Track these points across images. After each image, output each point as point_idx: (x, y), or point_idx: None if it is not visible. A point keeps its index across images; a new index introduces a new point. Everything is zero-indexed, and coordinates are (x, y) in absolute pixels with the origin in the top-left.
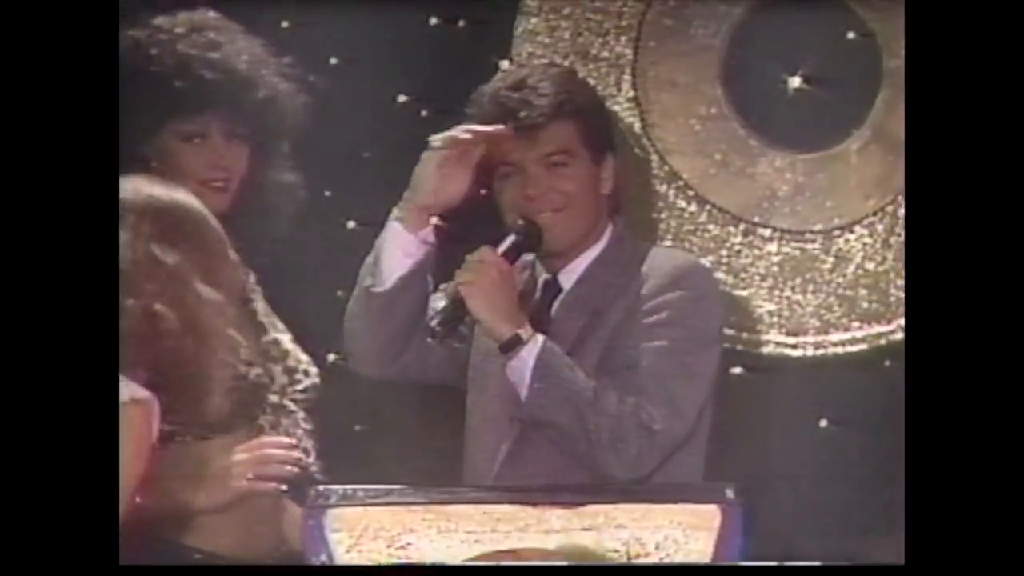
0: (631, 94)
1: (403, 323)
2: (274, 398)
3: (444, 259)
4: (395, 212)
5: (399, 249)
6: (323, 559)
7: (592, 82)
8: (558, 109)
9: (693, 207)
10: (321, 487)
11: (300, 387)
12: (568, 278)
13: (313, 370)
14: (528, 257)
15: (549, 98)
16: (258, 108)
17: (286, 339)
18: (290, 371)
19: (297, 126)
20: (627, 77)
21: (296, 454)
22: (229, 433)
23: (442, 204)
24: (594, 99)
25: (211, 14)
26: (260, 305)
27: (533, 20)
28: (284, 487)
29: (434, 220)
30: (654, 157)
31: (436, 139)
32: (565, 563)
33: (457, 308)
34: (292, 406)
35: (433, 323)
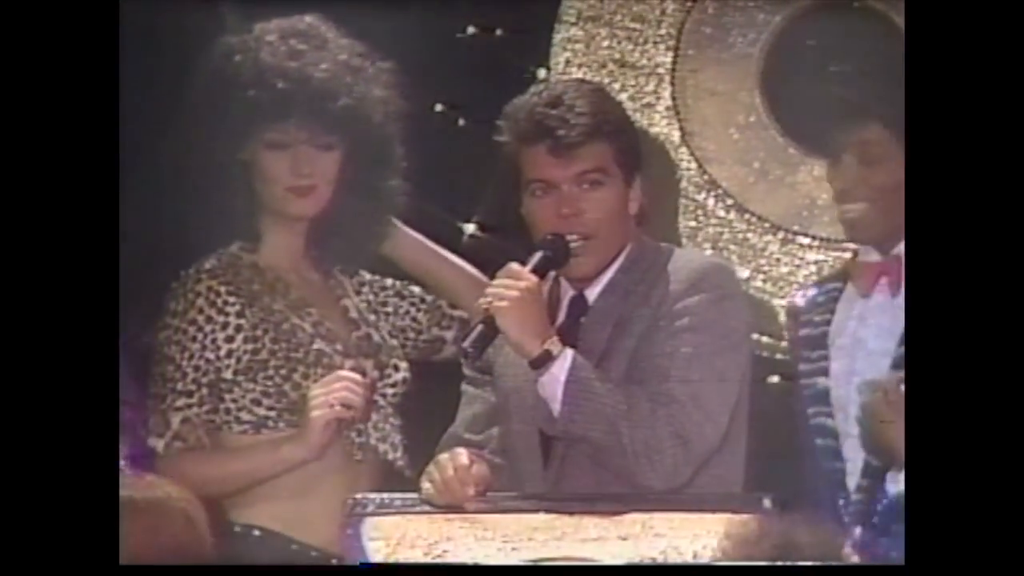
0: (670, 103)
1: None
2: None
3: (482, 271)
4: None
5: None
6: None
7: (630, 91)
8: (596, 128)
9: (732, 216)
10: (359, 495)
11: (390, 381)
12: (593, 292)
13: (403, 364)
14: (552, 275)
15: (587, 117)
16: (337, 116)
17: (376, 335)
18: (381, 365)
19: (396, 132)
20: (666, 86)
21: (362, 386)
22: None
23: None
24: (626, 118)
25: (307, 19)
26: (350, 302)
27: (571, 29)
28: (354, 411)
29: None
30: (693, 166)
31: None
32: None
33: (488, 327)
34: (382, 401)
35: (465, 344)
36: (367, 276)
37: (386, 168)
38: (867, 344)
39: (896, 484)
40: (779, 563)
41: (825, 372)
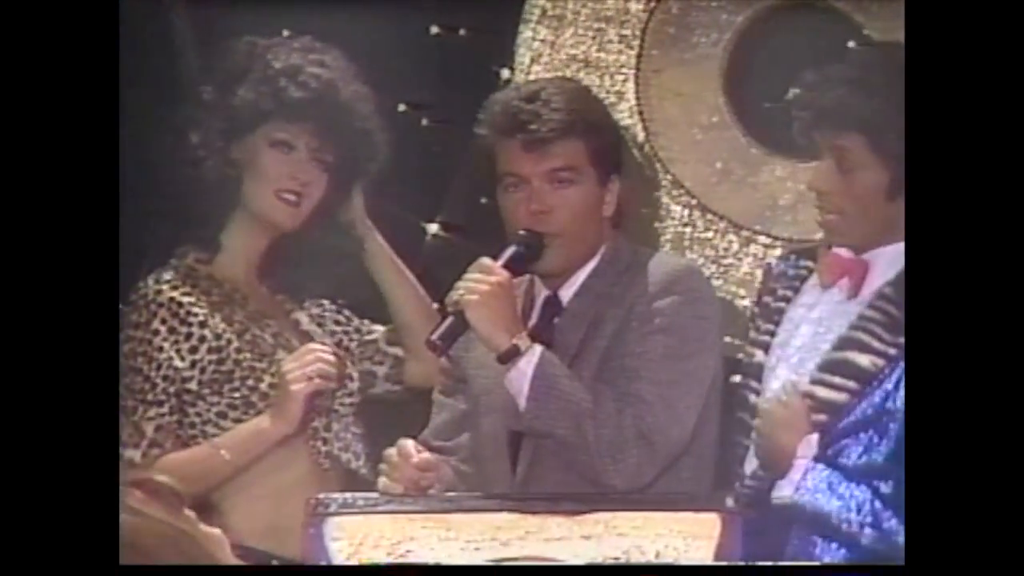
0: (634, 103)
1: None
2: (326, 402)
3: (445, 271)
4: None
5: None
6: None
7: (594, 90)
8: (570, 126)
9: (695, 215)
10: (321, 495)
11: (347, 390)
12: (567, 293)
13: (356, 375)
14: (527, 276)
15: (562, 114)
16: (351, 136)
17: (330, 344)
18: (339, 377)
19: (378, 169)
20: (630, 85)
21: (332, 356)
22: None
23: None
24: (606, 119)
25: (319, 45)
26: (301, 315)
27: (535, 29)
28: (331, 382)
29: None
30: (656, 166)
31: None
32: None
33: (457, 320)
34: (342, 410)
35: (433, 336)
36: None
37: (355, 212)
38: (804, 337)
39: (780, 492)
40: (779, 563)
41: (765, 347)
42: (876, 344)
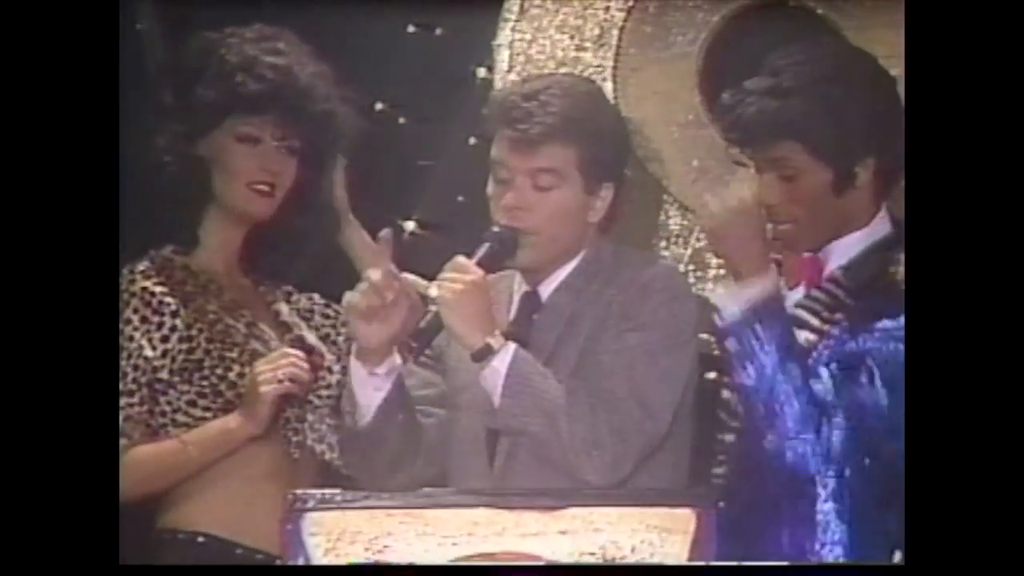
0: (612, 102)
1: (398, 444)
2: (299, 394)
3: (422, 268)
4: (354, 349)
5: (368, 387)
6: (300, 563)
7: None
8: (561, 130)
9: (672, 213)
10: (299, 491)
11: (324, 383)
12: (547, 290)
13: (337, 367)
14: (507, 271)
15: (555, 117)
16: (314, 120)
17: (311, 337)
18: (316, 367)
19: (352, 149)
20: (608, 84)
21: (305, 363)
22: None
23: (394, 340)
24: (610, 127)
25: (270, 31)
26: (281, 307)
27: (513, 28)
28: (301, 387)
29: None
30: (634, 163)
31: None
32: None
33: (432, 321)
34: (317, 401)
35: (408, 336)
36: (292, 288)
37: (330, 186)
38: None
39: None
40: (779, 563)
41: (808, 326)
42: (814, 321)
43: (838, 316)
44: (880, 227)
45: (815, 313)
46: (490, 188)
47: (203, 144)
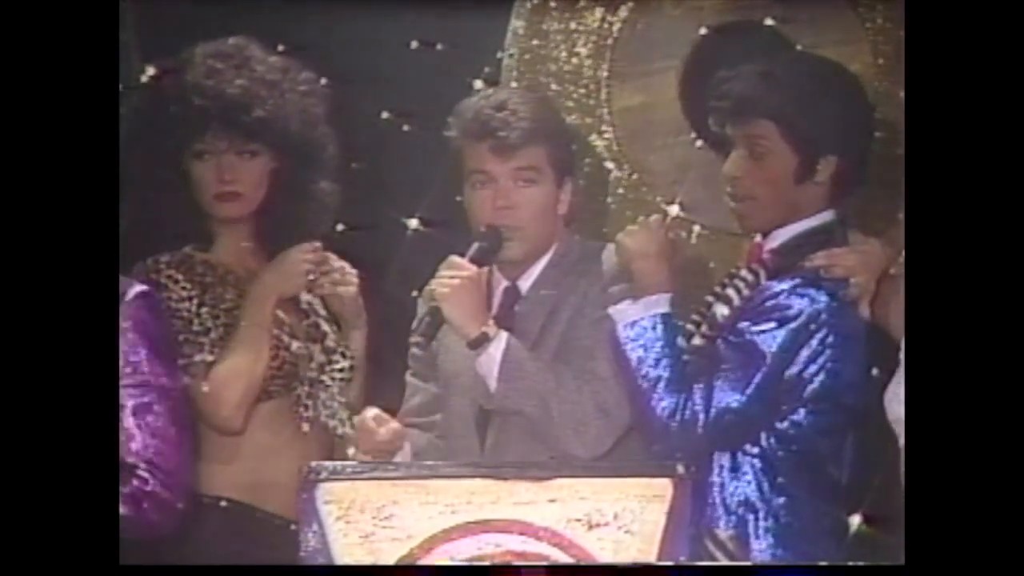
0: (605, 113)
1: None
2: (312, 373)
3: (424, 263)
4: None
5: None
6: (315, 528)
7: (571, 103)
8: (534, 133)
9: (656, 214)
10: (313, 463)
11: (337, 367)
12: (526, 283)
13: (349, 353)
14: (487, 267)
15: (527, 122)
16: (256, 126)
17: (324, 325)
18: (328, 351)
19: (322, 137)
20: (603, 96)
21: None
22: (270, 399)
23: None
24: (562, 126)
25: (230, 41)
26: (304, 294)
27: (517, 45)
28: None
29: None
30: (625, 166)
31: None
32: (564, 563)
33: (435, 315)
34: (328, 382)
35: (415, 333)
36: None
37: (315, 171)
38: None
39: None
40: (778, 564)
41: (728, 301)
42: (731, 294)
43: (751, 294)
44: (819, 219)
45: (736, 289)
46: (467, 195)
47: (169, 168)
